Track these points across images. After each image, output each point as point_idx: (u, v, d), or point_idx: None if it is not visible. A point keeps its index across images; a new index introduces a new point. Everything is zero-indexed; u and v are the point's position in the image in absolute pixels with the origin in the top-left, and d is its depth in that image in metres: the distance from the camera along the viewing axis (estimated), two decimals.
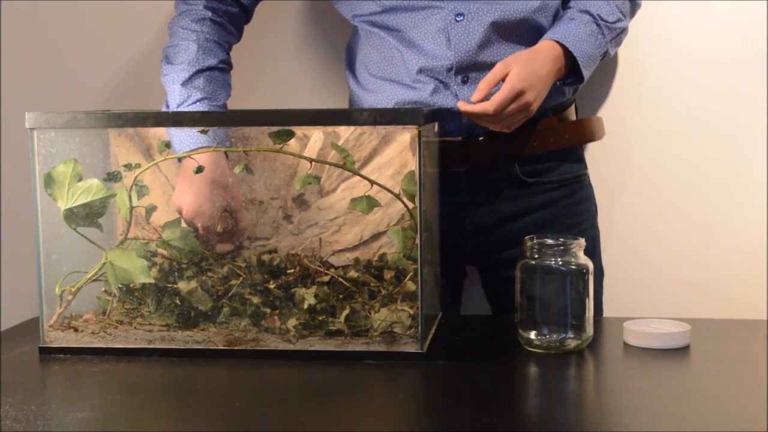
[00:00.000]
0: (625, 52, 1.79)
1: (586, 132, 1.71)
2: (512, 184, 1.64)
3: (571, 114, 1.70)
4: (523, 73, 1.46)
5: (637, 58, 1.84)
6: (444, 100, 1.57)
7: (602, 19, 1.57)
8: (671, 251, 1.89)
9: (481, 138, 1.60)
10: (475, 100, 1.47)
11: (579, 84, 1.60)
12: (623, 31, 1.63)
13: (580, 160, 1.72)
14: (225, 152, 1.44)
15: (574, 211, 1.69)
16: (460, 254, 1.68)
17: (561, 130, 1.66)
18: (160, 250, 1.43)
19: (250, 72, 1.89)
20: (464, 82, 1.56)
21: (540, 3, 1.57)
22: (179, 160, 1.46)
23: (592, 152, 1.81)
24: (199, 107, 1.55)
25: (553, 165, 1.66)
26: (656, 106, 1.86)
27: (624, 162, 1.87)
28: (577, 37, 1.53)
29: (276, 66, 1.93)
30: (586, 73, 1.56)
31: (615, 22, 1.59)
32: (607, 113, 1.85)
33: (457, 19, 1.54)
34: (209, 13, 1.62)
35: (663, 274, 1.89)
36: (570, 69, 1.56)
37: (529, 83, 1.47)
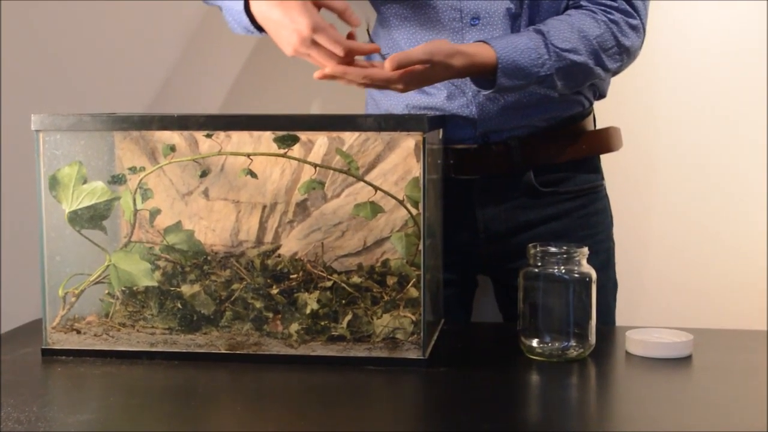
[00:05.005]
0: (642, 63, 1.76)
1: (603, 142, 1.67)
2: (527, 193, 1.62)
3: (589, 124, 1.67)
4: (438, 69, 1.42)
5: (654, 69, 1.84)
6: (459, 106, 1.57)
7: (551, 42, 1.48)
8: (676, 261, 1.89)
9: (495, 146, 1.59)
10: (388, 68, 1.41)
11: (488, 90, 1.50)
12: (577, 66, 1.50)
13: (597, 170, 1.69)
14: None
15: (589, 222, 1.66)
16: (473, 263, 1.67)
17: (578, 139, 1.64)
18: (163, 255, 1.44)
19: (266, 74, 1.89)
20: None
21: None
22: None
23: (608, 163, 1.79)
24: None
25: (569, 175, 1.64)
26: (673, 117, 1.85)
27: (639, 173, 1.86)
28: (513, 46, 1.47)
29: (292, 66, 1.92)
30: (504, 80, 1.46)
31: (565, 51, 1.49)
32: (625, 124, 1.82)
33: (473, 23, 1.54)
34: None
35: (666, 284, 1.89)
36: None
37: (433, 77, 1.43)
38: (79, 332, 1.41)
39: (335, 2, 1.43)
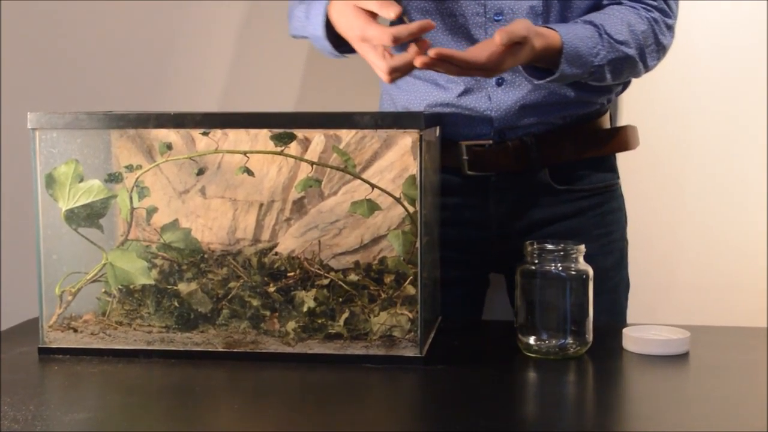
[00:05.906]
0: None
1: (619, 141, 1.66)
2: (542, 191, 1.61)
3: (605, 122, 1.66)
4: (527, 48, 1.41)
5: (671, 68, 1.82)
6: (476, 102, 1.56)
7: (606, 32, 1.50)
8: (686, 261, 1.89)
9: (511, 143, 1.58)
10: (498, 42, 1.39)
11: (543, 79, 1.49)
12: (627, 59, 1.51)
13: (613, 169, 1.68)
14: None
15: (604, 221, 1.65)
16: (486, 260, 1.67)
17: (594, 138, 1.63)
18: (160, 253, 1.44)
19: (273, 75, 1.89)
20: (499, 84, 1.55)
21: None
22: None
23: (624, 162, 1.77)
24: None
25: (584, 173, 1.63)
26: (689, 116, 1.85)
27: (653, 172, 1.86)
28: (573, 32, 1.47)
29: (301, 67, 1.92)
30: (566, 66, 1.45)
31: (618, 42, 1.50)
32: (642, 123, 1.80)
33: (496, 18, 1.54)
34: None
35: (678, 284, 1.89)
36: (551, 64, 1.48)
37: (523, 59, 1.42)
38: (75, 331, 1.41)
39: (367, 2, 1.41)
